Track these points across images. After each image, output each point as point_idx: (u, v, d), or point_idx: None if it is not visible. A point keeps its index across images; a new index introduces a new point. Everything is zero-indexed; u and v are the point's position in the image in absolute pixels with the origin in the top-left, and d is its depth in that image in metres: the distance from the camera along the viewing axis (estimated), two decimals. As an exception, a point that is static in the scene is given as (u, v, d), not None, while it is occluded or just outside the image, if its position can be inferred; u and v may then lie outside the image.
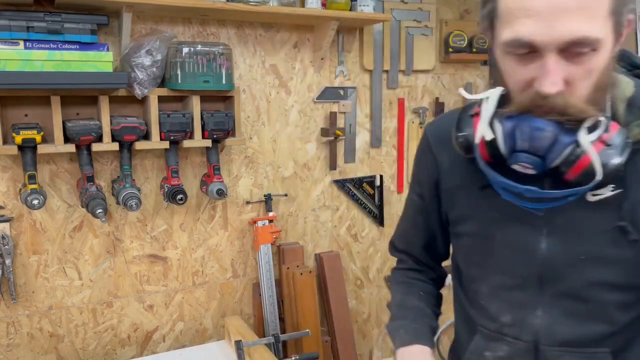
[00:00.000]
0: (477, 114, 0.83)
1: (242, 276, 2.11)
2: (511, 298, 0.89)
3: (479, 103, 0.84)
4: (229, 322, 1.93)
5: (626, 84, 0.81)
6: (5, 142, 1.59)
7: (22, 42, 1.52)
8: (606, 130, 0.74)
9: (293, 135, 2.13)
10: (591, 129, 0.74)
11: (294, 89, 2.11)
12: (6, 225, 1.69)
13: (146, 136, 1.74)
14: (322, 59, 2.10)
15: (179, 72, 1.72)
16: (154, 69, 1.68)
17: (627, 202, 0.80)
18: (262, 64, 2.03)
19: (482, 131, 0.80)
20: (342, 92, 2.20)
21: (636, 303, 0.85)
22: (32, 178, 1.61)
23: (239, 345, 1.73)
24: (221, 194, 1.85)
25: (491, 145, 0.79)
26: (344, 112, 2.21)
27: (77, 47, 1.58)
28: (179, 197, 1.79)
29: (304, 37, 2.10)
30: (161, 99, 1.74)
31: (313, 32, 2.11)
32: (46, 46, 1.54)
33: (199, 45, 1.73)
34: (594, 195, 0.80)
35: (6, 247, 1.67)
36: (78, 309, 1.85)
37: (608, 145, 0.74)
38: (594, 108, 0.74)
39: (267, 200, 2.09)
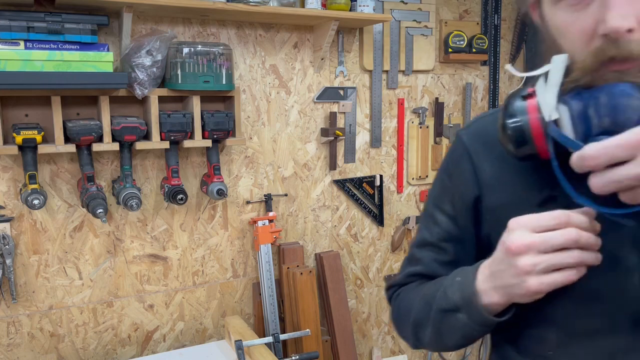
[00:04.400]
0: (532, 95, 0.62)
1: (242, 276, 2.11)
2: (595, 346, 0.67)
3: (532, 83, 0.65)
4: (229, 321, 1.94)
5: None
6: (5, 142, 1.59)
7: (22, 42, 1.52)
8: None
9: (293, 135, 2.13)
10: None
11: (294, 89, 2.11)
12: (7, 225, 1.69)
13: (146, 136, 1.75)
14: (322, 59, 2.11)
15: (179, 72, 1.72)
16: (154, 69, 1.68)
17: None
18: (262, 64, 2.04)
19: (548, 111, 0.59)
20: (342, 92, 2.21)
21: None
22: (32, 178, 1.62)
23: (239, 345, 1.73)
24: (221, 194, 1.85)
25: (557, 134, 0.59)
26: (344, 112, 2.21)
27: (78, 47, 1.58)
28: (179, 197, 1.79)
29: (304, 37, 2.10)
30: (161, 99, 1.74)
31: (313, 33, 2.11)
32: (46, 46, 1.55)
33: (199, 46, 1.74)
34: None
35: (7, 247, 1.67)
36: (78, 309, 1.85)
37: None
38: None
39: (267, 200, 2.09)
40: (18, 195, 1.70)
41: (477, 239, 0.79)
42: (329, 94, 2.18)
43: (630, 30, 0.55)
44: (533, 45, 2.59)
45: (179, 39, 1.83)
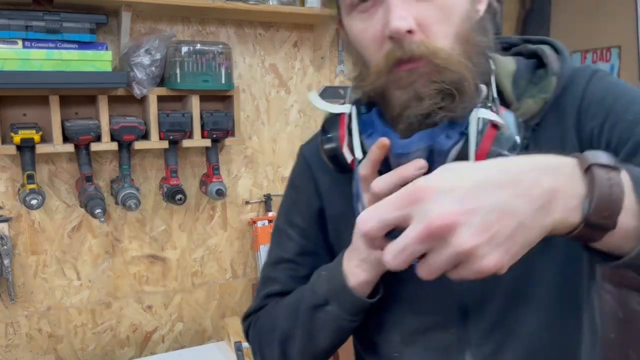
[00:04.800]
0: (343, 121, 0.69)
1: (241, 276, 2.10)
2: (431, 343, 0.71)
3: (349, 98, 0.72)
4: (228, 322, 1.93)
5: (507, 61, 0.72)
6: (3, 141, 1.58)
7: (20, 42, 1.51)
8: (494, 108, 0.62)
9: (293, 135, 2.12)
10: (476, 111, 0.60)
11: (294, 88, 2.10)
12: (5, 225, 1.68)
13: (145, 136, 1.74)
14: (322, 58, 2.10)
15: (178, 71, 1.71)
16: (153, 69, 1.67)
17: None
18: (262, 64, 2.03)
19: (348, 151, 0.66)
20: (342, 91, 2.19)
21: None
22: (30, 178, 1.61)
23: (238, 346, 1.72)
24: (220, 194, 1.84)
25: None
26: (344, 112, 2.20)
27: (76, 46, 1.57)
28: (178, 197, 1.78)
29: (304, 36, 2.09)
30: (160, 99, 1.73)
31: (313, 31, 2.10)
32: (45, 45, 1.54)
33: (198, 45, 1.73)
34: None
35: (5, 247, 1.66)
36: (77, 310, 1.84)
37: (499, 128, 0.61)
38: (465, 58, 0.61)
39: (267, 200, 2.08)
40: (16, 195, 1.69)
41: (328, 249, 0.80)
42: (329, 93, 2.17)
43: (410, 32, 0.59)
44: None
45: (178, 38, 1.82)
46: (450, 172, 0.45)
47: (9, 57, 1.48)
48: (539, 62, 0.72)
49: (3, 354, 1.75)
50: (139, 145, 1.71)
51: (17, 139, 1.53)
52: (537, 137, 0.68)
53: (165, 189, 1.82)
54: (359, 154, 0.65)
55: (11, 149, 1.56)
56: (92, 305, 1.86)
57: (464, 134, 0.61)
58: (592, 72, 0.70)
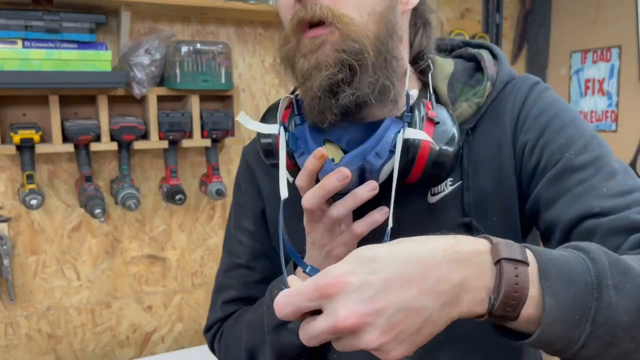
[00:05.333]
0: (289, 107, 0.69)
1: (241, 276, 2.10)
2: None
3: (292, 91, 0.74)
4: (228, 322, 1.93)
5: (445, 63, 0.74)
6: (3, 141, 1.58)
7: (20, 41, 1.51)
8: (429, 104, 0.64)
9: (293, 135, 2.12)
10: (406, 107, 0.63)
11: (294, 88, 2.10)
12: (4, 225, 1.68)
13: (145, 136, 1.73)
14: (322, 58, 2.10)
15: (177, 71, 1.71)
16: (153, 68, 1.67)
17: (468, 193, 0.69)
18: (262, 63, 2.03)
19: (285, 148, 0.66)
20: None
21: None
22: (30, 178, 1.61)
23: (238, 346, 1.72)
24: (220, 193, 1.84)
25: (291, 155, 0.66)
26: (344, 112, 2.20)
27: (76, 46, 1.57)
28: (177, 197, 1.78)
29: (304, 36, 2.09)
30: (160, 99, 1.73)
31: (313, 32, 2.10)
32: (44, 45, 1.53)
33: (198, 44, 1.73)
34: (433, 195, 0.68)
35: (4, 247, 1.66)
36: (76, 310, 1.84)
37: (437, 123, 0.62)
38: (373, 38, 0.62)
39: (267, 200, 2.08)
40: (16, 196, 1.69)
41: (275, 251, 0.81)
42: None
43: None
44: (534, 43, 2.58)
45: (177, 38, 1.82)
46: (361, 265, 0.45)
47: (8, 57, 1.47)
48: (477, 66, 0.74)
49: (2, 355, 1.75)
50: (138, 145, 1.70)
51: (16, 139, 1.52)
52: (471, 140, 0.69)
53: (165, 189, 1.81)
54: (284, 193, 0.65)
55: (11, 149, 1.56)
56: (91, 305, 1.86)
57: (393, 152, 0.62)
58: (532, 84, 0.71)
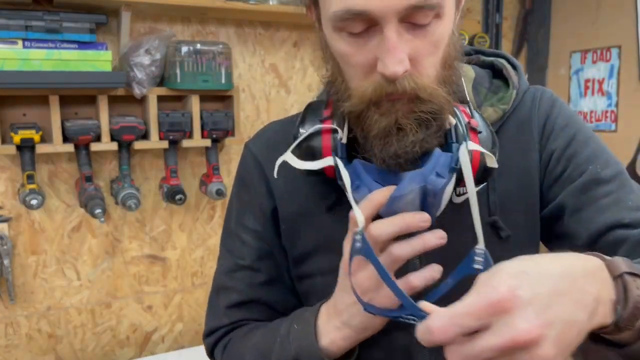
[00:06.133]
0: (327, 130, 0.67)
1: (241, 276, 2.10)
2: (390, 342, 0.70)
3: (326, 104, 0.72)
4: (228, 322, 1.93)
5: (466, 68, 0.74)
6: (3, 141, 1.58)
7: (20, 42, 1.51)
8: (472, 116, 0.64)
9: (293, 135, 2.12)
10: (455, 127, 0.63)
11: (294, 88, 2.10)
12: (4, 225, 1.68)
13: (145, 136, 1.74)
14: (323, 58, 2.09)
15: (177, 71, 1.71)
16: (153, 68, 1.67)
17: (494, 194, 0.70)
18: (262, 63, 2.03)
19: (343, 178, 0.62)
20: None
21: None
22: (30, 178, 1.61)
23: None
24: (220, 193, 1.84)
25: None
26: (344, 112, 2.20)
27: (76, 46, 1.57)
28: (178, 197, 1.78)
29: (304, 35, 2.09)
30: (160, 99, 1.73)
31: (313, 31, 2.10)
32: (45, 45, 1.54)
33: (198, 45, 1.73)
34: (459, 195, 0.68)
35: (4, 247, 1.66)
36: (77, 310, 1.84)
37: (480, 132, 0.63)
38: (445, 90, 0.62)
39: (267, 200, 2.08)
40: (16, 195, 1.69)
41: (284, 251, 0.77)
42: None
43: (404, 71, 0.58)
44: (534, 43, 2.58)
45: (177, 38, 1.82)
46: (518, 279, 0.45)
47: (8, 57, 1.48)
48: (493, 74, 0.77)
49: (3, 355, 1.75)
50: (138, 145, 1.70)
51: (17, 139, 1.52)
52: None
53: (165, 189, 1.82)
54: (360, 219, 0.59)
55: (11, 149, 1.56)
56: (91, 305, 1.86)
57: (454, 169, 0.60)
58: (552, 94, 0.76)
